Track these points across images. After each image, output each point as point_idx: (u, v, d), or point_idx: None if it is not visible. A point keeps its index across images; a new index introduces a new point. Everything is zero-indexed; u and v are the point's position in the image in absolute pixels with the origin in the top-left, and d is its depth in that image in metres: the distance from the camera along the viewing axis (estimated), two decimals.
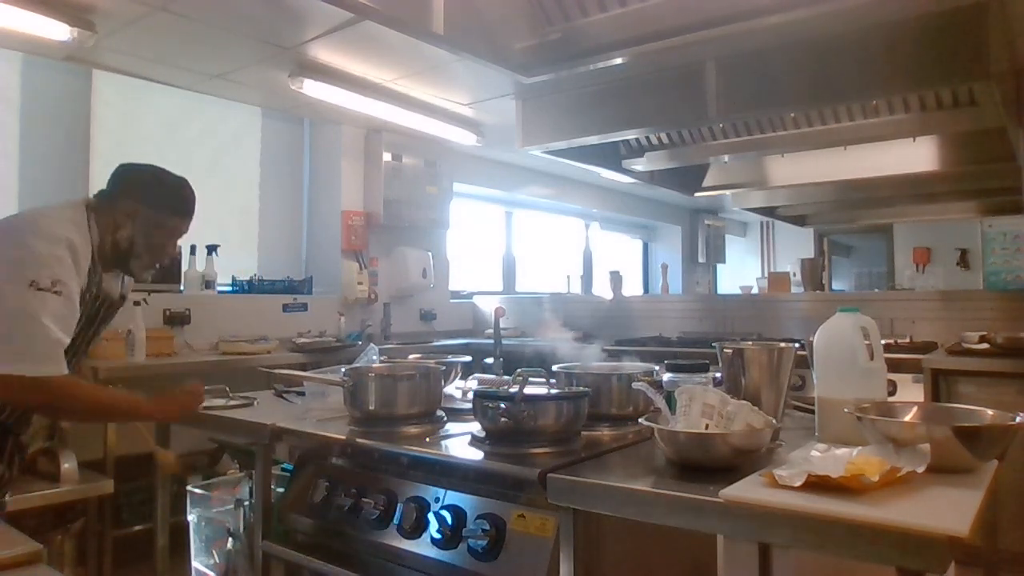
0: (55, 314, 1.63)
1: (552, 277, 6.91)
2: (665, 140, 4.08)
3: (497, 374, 2.46)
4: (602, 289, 5.98)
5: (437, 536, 1.43)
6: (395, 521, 1.52)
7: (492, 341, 2.93)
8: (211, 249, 3.96)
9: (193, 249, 3.87)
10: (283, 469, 1.94)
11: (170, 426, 2.20)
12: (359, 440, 1.63)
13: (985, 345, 3.20)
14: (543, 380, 1.61)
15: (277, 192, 4.72)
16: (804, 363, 1.57)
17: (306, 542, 1.71)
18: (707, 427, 1.31)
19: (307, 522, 1.70)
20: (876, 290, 7.59)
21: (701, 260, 8.39)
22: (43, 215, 1.77)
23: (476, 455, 1.46)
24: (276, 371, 2.08)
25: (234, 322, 3.94)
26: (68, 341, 1.67)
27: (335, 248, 4.72)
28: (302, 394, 2.12)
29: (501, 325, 3.00)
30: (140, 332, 3.25)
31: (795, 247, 8.47)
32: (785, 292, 5.15)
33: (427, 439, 1.60)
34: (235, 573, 2.10)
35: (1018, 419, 1.20)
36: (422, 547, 1.46)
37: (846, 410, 1.31)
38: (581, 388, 1.58)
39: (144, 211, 1.85)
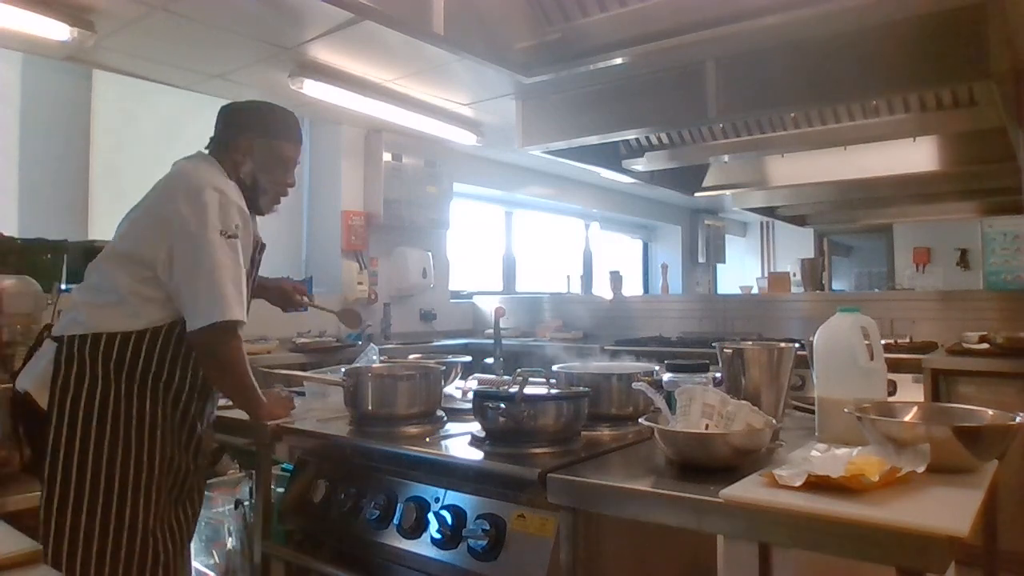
0: (237, 259, 1.70)
1: (552, 277, 6.91)
2: (665, 140, 4.08)
3: (497, 374, 2.46)
4: (602, 289, 5.98)
5: (437, 536, 1.43)
6: (395, 521, 1.52)
7: (492, 341, 2.94)
8: None
9: None
10: (283, 469, 1.94)
11: None
12: (359, 440, 1.63)
13: (985, 345, 3.19)
14: (543, 380, 1.61)
15: None
16: (804, 363, 1.57)
17: (306, 542, 1.71)
18: (707, 427, 1.31)
19: (307, 522, 1.70)
20: (876, 290, 7.58)
21: (701, 260, 8.39)
22: (194, 172, 1.77)
23: (476, 455, 1.45)
24: (276, 371, 2.07)
25: None
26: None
27: (335, 248, 4.72)
28: (302, 394, 2.12)
29: (501, 325, 3.00)
30: None
31: (795, 247, 8.46)
32: (785, 292, 5.15)
33: (427, 439, 1.60)
34: (235, 573, 2.10)
35: (1018, 419, 1.20)
36: (422, 547, 1.46)
37: (846, 410, 1.31)
38: (581, 388, 1.58)
39: (259, 143, 1.85)
